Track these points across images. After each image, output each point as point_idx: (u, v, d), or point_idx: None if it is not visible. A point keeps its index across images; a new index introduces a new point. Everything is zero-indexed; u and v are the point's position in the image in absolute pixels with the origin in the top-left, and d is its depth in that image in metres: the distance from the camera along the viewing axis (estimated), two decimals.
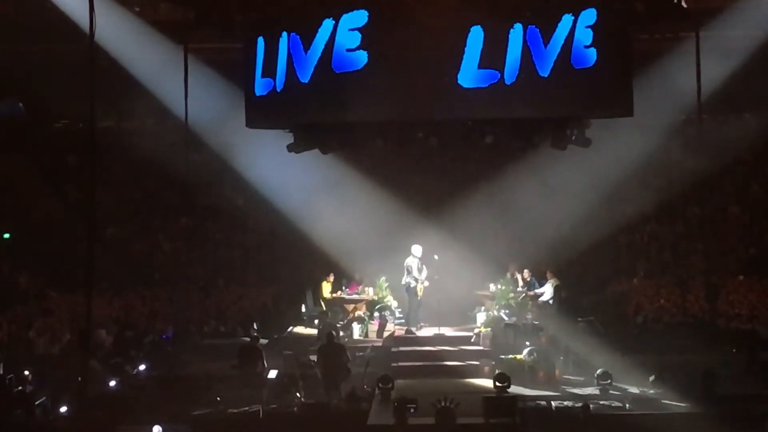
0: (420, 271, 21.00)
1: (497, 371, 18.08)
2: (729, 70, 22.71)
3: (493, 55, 17.65)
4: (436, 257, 21.16)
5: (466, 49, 17.62)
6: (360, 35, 17.72)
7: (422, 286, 21.03)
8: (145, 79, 23.40)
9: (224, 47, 21.61)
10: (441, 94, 17.93)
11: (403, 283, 21.21)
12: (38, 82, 24.37)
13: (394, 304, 22.29)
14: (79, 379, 16.64)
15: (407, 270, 21.04)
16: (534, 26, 17.66)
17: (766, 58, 22.86)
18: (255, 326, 21.57)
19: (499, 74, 17.67)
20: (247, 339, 19.49)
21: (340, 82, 17.85)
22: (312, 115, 18.52)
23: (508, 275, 22.42)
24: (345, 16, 17.76)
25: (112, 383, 17.83)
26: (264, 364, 18.12)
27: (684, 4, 19.22)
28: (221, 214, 26.73)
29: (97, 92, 17.09)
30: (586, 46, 17.84)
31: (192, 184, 23.46)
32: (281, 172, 23.52)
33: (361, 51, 17.72)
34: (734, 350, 20.24)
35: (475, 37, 17.64)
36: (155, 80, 23.35)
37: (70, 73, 20.72)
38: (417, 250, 21.12)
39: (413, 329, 21.02)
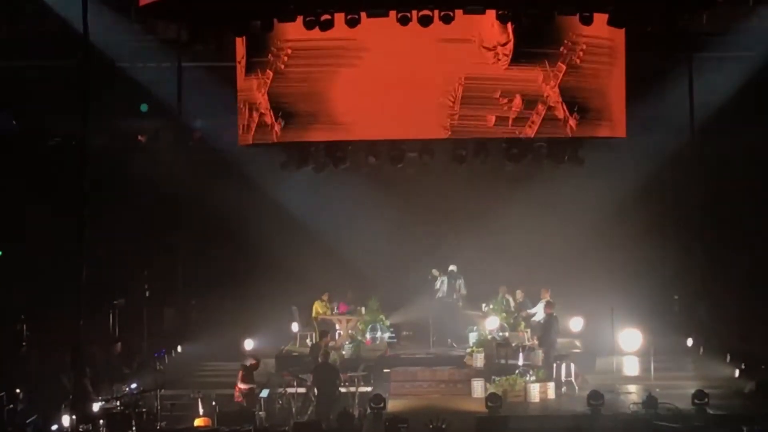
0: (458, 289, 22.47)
1: (489, 391, 18.07)
2: (725, 90, 22.79)
3: None
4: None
5: None
6: None
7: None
8: (142, 94, 23.44)
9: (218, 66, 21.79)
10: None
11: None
12: (31, 98, 24.31)
13: (386, 323, 22.28)
14: (71, 397, 16.57)
15: (440, 286, 22.37)
16: None
17: (760, 78, 22.93)
18: (246, 344, 21.49)
19: None
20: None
21: None
22: None
23: (500, 296, 22.48)
24: None
25: (104, 401, 17.73)
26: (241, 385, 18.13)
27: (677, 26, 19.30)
28: (215, 231, 26.64)
29: (91, 108, 17.11)
30: None
31: (186, 200, 23.41)
32: (276, 188, 23.53)
33: None
34: (727, 369, 20.23)
35: None
36: (152, 95, 23.39)
37: (64, 89, 20.75)
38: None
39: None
